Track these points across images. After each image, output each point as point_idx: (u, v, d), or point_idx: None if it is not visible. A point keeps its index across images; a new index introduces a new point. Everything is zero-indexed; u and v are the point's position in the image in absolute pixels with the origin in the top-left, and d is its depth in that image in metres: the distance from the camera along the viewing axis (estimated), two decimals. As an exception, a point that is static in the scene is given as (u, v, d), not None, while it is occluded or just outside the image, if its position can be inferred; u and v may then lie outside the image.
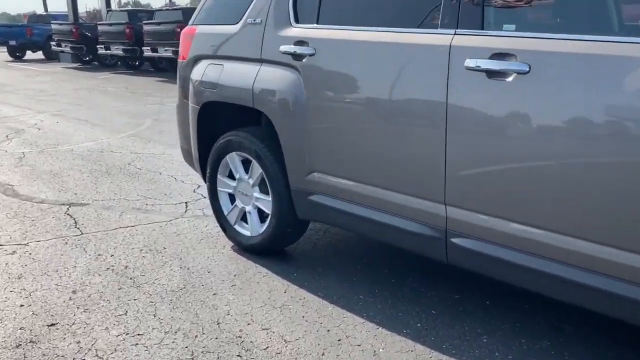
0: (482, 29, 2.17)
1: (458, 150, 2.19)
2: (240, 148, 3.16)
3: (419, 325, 2.53)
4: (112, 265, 3.20)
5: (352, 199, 2.65)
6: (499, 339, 2.41)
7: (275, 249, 3.22)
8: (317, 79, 2.69)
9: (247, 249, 3.30)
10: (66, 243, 3.54)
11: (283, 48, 2.84)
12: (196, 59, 3.41)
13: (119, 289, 2.91)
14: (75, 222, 3.90)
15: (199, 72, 3.35)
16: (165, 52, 14.45)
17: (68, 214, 4.07)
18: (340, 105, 2.62)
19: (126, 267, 3.18)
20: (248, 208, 3.26)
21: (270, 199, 3.08)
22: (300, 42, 2.77)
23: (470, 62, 2.12)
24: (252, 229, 3.26)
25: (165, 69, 15.85)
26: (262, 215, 3.21)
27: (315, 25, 2.78)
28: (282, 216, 3.02)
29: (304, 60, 2.74)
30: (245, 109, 3.10)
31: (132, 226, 3.84)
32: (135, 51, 16.01)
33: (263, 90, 2.93)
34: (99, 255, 3.35)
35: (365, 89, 2.54)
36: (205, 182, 3.58)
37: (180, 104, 3.66)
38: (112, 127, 7.58)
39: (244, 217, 3.35)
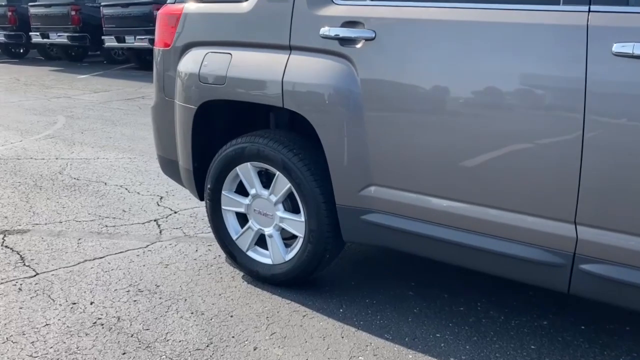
0: (627, 4, 1.73)
1: (600, 154, 1.75)
2: (258, 158, 2.53)
3: (524, 366, 2.09)
4: (99, 318, 2.45)
5: (429, 218, 2.14)
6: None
7: (303, 279, 2.63)
8: (379, 70, 2.13)
9: (267, 279, 2.69)
10: (20, 289, 2.71)
11: (325, 31, 2.24)
12: (186, 47, 2.71)
13: (124, 354, 2.19)
14: (22, 258, 3.05)
15: (192, 64, 2.65)
16: (59, 38, 12.88)
17: (7, 247, 3.19)
18: (417, 102, 2.08)
19: (119, 318, 2.45)
20: (268, 230, 2.64)
21: (302, 219, 2.48)
22: (351, 23, 2.19)
23: (620, 47, 1.67)
24: (274, 256, 2.65)
25: (59, 56, 14.20)
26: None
27: (370, 1, 2.20)
28: (321, 239, 2.45)
29: (358, 46, 2.17)
30: (253, 110, 2.48)
31: (100, 258, 3.06)
32: (21, 37, 14.20)
33: (298, 85, 2.32)
34: (74, 304, 2.57)
35: (454, 80, 2.01)
36: (199, 198, 2.90)
37: (159, 104, 2.93)
38: (20, 127, 6.44)
39: (258, 242, 2.73)
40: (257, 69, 2.44)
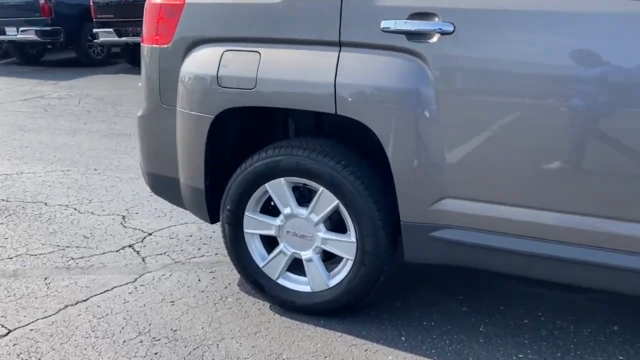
0: None
1: None
2: (296, 172, 2.17)
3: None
4: (122, 384, 1.98)
5: (518, 232, 1.93)
6: None
7: (352, 306, 2.32)
8: (459, 69, 1.87)
9: (306, 309, 2.35)
10: (-4, 356, 2.15)
11: (389, 24, 1.93)
12: (193, 44, 2.26)
13: None
14: (-20, 311, 2.44)
15: (205, 65, 2.22)
16: None
17: (-48, 299, 2.55)
18: (505, 103, 1.85)
19: (147, 381, 2.00)
20: (306, 254, 2.29)
21: (352, 239, 2.17)
22: (421, 15, 1.90)
23: None
24: (314, 283, 2.31)
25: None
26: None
27: None
28: (377, 261, 2.16)
29: (431, 41, 1.88)
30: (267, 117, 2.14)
31: (84, 300, 2.54)
32: None
33: (355, 88, 1.99)
34: (79, 367, 2.07)
35: (549, 78, 1.80)
36: (210, 221, 2.48)
37: (152, 113, 2.45)
38: None
39: (290, 267, 2.38)
40: (298, 69, 2.08)
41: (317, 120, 2.42)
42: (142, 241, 3.14)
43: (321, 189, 2.16)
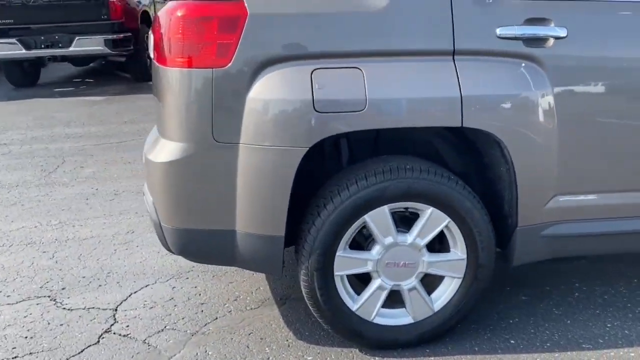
0: None
1: None
2: (405, 196, 1.98)
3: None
4: None
5: (624, 214, 2.12)
6: None
7: (454, 327, 2.22)
8: (574, 72, 1.96)
9: (411, 343, 2.17)
10: None
11: (505, 30, 1.90)
12: (264, 64, 1.85)
13: None
14: None
15: (292, 87, 1.85)
16: None
17: None
18: (619, 102, 2.01)
19: None
20: (408, 283, 2.11)
21: (462, 256, 2.09)
22: (537, 20, 1.92)
23: None
24: (415, 311, 2.14)
25: None
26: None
27: None
28: (489, 273, 2.12)
29: (547, 45, 1.92)
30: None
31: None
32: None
33: (481, 98, 1.90)
34: None
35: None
36: (278, 274, 2.09)
37: (198, 154, 1.93)
38: None
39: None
40: (416, 84, 1.89)
41: (377, 138, 2.23)
42: (118, 321, 2.43)
43: (430, 209, 2.01)
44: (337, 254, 2.02)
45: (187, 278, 2.78)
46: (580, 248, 2.19)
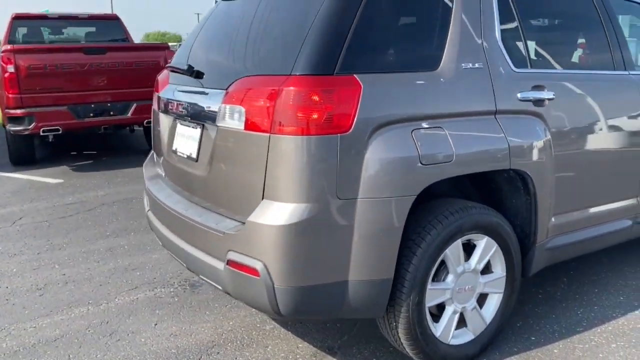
0: None
1: None
2: (473, 228, 2.43)
3: None
4: None
5: (589, 224, 2.91)
6: None
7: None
8: (560, 124, 2.68)
9: (475, 356, 2.57)
10: None
11: (524, 95, 2.54)
12: (376, 128, 2.14)
13: None
14: None
15: (401, 146, 2.16)
16: None
17: None
18: (589, 141, 2.79)
19: None
20: (470, 304, 2.53)
21: (502, 274, 2.61)
22: (538, 87, 2.60)
23: None
24: (475, 327, 2.56)
25: None
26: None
27: (544, 69, 2.67)
28: (515, 286, 2.67)
29: (545, 105, 2.62)
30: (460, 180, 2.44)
31: None
32: None
33: (518, 146, 2.47)
34: None
35: (612, 125, 2.89)
36: (378, 315, 2.31)
37: (322, 212, 2.09)
38: None
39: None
40: (480, 138, 2.37)
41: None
42: None
43: (485, 238, 2.48)
44: (428, 287, 2.33)
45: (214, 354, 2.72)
46: (569, 253, 2.90)
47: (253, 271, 2.15)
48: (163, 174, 2.98)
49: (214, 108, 2.36)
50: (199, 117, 2.51)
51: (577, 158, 2.76)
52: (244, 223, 2.20)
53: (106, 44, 7.43)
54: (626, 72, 3.06)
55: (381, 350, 2.66)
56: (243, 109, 2.20)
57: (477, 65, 2.41)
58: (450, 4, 2.41)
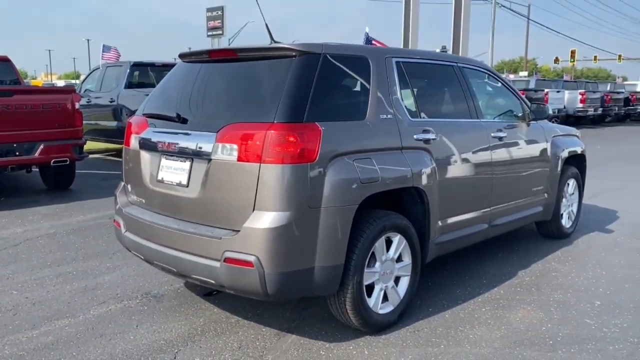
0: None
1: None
2: (391, 228, 3.46)
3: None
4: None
5: (467, 225, 4.12)
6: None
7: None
8: (440, 155, 3.84)
9: (394, 322, 3.56)
10: None
11: (418, 136, 3.67)
12: (332, 157, 3.11)
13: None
14: None
15: (348, 171, 3.14)
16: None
17: None
18: (459, 167, 4.00)
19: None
20: (390, 284, 3.54)
21: (409, 261, 3.67)
22: (426, 131, 3.75)
23: (496, 133, 4.44)
24: (393, 301, 3.56)
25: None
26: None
27: (428, 118, 3.82)
28: (417, 270, 3.76)
29: (431, 143, 3.78)
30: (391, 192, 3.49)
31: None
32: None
33: (418, 170, 3.57)
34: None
35: (474, 155, 4.11)
36: (332, 292, 3.24)
37: (299, 217, 2.99)
38: None
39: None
40: (394, 165, 3.43)
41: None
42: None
43: (398, 236, 3.54)
44: (365, 271, 3.31)
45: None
46: (449, 247, 4.04)
47: (248, 264, 2.97)
48: (143, 200, 3.65)
49: (206, 146, 3.16)
50: (188, 153, 3.29)
51: (451, 179, 3.94)
52: (237, 230, 3.01)
53: (14, 87, 7.61)
54: (478, 120, 4.37)
55: (325, 328, 3.54)
56: (235, 146, 3.04)
57: (388, 116, 3.50)
58: (369, 77, 3.48)
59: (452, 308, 3.87)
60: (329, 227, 3.07)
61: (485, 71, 4.83)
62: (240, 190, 3.04)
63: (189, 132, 3.34)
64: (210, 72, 3.62)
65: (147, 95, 9.81)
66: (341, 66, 3.39)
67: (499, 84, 4.92)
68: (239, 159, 3.03)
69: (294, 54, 3.22)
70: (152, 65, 11.01)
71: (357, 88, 3.46)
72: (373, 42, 4.92)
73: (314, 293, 3.19)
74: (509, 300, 4.02)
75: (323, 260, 3.08)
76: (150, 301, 4.00)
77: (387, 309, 3.52)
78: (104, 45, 16.51)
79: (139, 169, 3.67)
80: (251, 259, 2.96)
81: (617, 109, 23.42)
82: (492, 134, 4.41)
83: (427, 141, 3.72)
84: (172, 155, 3.42)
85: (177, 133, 3.40)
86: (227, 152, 3.09)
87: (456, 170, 3.99)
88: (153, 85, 10.65)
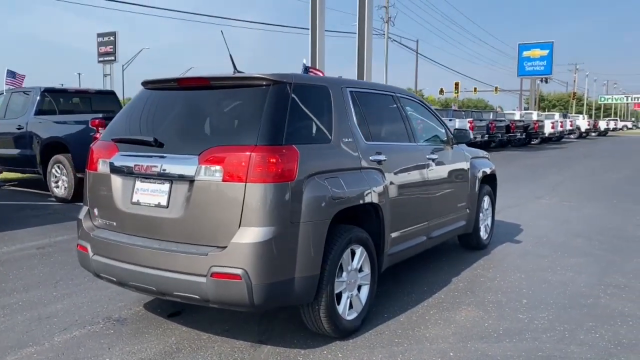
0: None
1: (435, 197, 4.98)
2: (355, 241, 3.81)
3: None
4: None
5: (414, 237, 4.57)
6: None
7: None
8: (390, 175, 4.27)
9: (358, 328, 3.90)
10: None
11: (372, 157, 4.08)
12: (307, 176, 3.41)
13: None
14: None
15: (320, 189, 3.46)
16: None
17: None
18: (405, 185, 4.45)
19: None
20: (354, 292, 3.88)
21: (368, 271, 4.04)
22: (378, 153, 4.17)
23: (430, 155, 4.98)
24: (357, 308, 3.90)
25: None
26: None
27: (379, 142, 4.24)
28: (375, 279, 4.13)
29: (382, 164, 4.20)
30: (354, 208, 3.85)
31: None
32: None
33: (374, 189, 3.96)
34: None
35: (416, 175, 4.58)
36: (308, 301, 3.51)
37: (282, 233, 3.25)
38: None
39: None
40: (357, 183, 3.80)
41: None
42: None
43: (360, 248, 3.90)
44: (335, 280, 3.62)
45: None
46: (398, 258, 4.45)
47: (236, 277, 3.17)
48: (114, 223, 3.72)
49: (188, 168, 3.34)
50: (167, 175, 3.44)
51: (398, 196, 4.37)
52: (223, 246, 3.21)
53: None
54: (414, 143, 4.89)
55: (296, 337, 3.78)
56: (219, 167, 3.25)
57: (349, 139, 3.88)
58: (330, 104, 3.85)
59: (404, 312, 4.27)
60: (307, 240, 3.35)
61: (415, 100, 5.38)
62: (226, 208, 3.25)
63: (165, 155, 3.50)
64: (181, 99, 3.81)
65: (57, 122, 9.76)
66: (307, 94, 3.73)
67: (427, 112, 5.50)
68: (225, 180, 3.25)
69: (267, 82, 3.51)
70: (64, 91, 10.68)
71: (322, 114, 3.81)
72: (310, 71, 5.25)
73: (293, 302, 3.44)
74: (450, 303, 4.50)
75: (302, 271, 3.35)
76: (114, 325, 4.02)
77: (352, 315, 3.83)
78: (8, 70, 15.64)
79: (109, 192, 3.74)
80: (239, 272, 3.17)
81: (500, 135, 25.67)
82: (427, 156, 4.94)
83: (379, 162, 4.13)
84: (148, 178, 3.54)
85: (152, 156, 3.54)
86: (210, 174, 3.29)
87: (402, 188, 4.44)
88: (65, 112, 10.41)
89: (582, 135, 44.14)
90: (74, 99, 11.08)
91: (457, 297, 4.65)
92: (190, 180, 3.35)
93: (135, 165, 3.59)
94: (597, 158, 22.25)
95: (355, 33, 18.91)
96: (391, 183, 4.25)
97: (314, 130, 3.70)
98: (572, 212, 9.00)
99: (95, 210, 3.87)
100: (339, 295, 3.73)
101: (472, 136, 6.35)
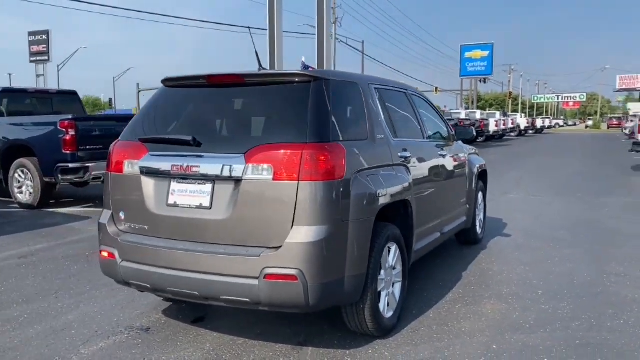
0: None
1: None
2: (392, 238, 3.80)
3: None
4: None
5: (426, 235, 4.59)
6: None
7: (399, 310, 4.06)
8: (414, 171, 4.28)
9: (394, 327, 3.87)
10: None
11: (400, 154, 4.08)
12: (353, 174, 3.37)
13: None
14: None
15: (366, 186, 3.43)
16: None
17: None
18: (426, 180, 4.47)
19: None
20: (390, 290, 3.86)
21: (401, 268, 4.04)
22: (405, 149, 4.18)
23: (440, 151, 5.04)
24: (392, 305, 3.88)
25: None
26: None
27: (403, 138, 4.24)
28: (406, 276, 4.14)
29: (407, 160, 4.21)
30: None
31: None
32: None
33: (408, 184, 3.98)
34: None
35: (434, 171, 4.61)
36: (357, 299, 3.47)
37: (335, 231, 3.19)
38: None
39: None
40: (394, 180, 3.79)
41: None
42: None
43: (395, 245, 3.90)
44: (378, 278, 3.60)
45: None
46: (420, 254, 4.46)
47: (292, 277, 3.08)
48: (146, 227, 3.53)
49: (235, 167, 3.22)
50: (209, 175, 3.31)
51: (421, 192, 4.40)
52: (276, 247, 3.12)
53: None
54: (427, 140, 4.93)
55: (335, 338, 3.72)
56: (270, 166, 3.15)
57: (382, 136, 3.86)
58: (362, 100, 3.81)
59: (431, 309, 4.29)
60: (356, 238, 3.31)
61: (421, 97, 5.43)
62: (277, 208, 3.15)
63: (203, 154, 3.36)
64: (212, 97, 3.67)
65: (19, 124, 9.22)
66: (343, 91, 3.68)
67: (431, 108, 5.55)
68: (275, 178, 3.15)
69: (306, 79, 3.44)
70: (23, 91, 10.10)
71: (357, 111, 3.77)
72: (310, 68, 5.19)
73: (343, 302, 3.39)
74: (471, 297, 4.56)
75: (351, 269, 3.30)
76: (139, 334, 3.83)
77: (390, 313, 3.81)
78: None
79: (139, 194, 3.55)
80: (294, 272, 3.08)
81: (450, 134, 26.35)
82: (439, 152, 4.99)
83: (406, 159, 4.14)
84: (185, 179, 3.39)
85: (189, 156, 3.39)
86: (259, 173, 3.18)
87: (422, 184, 4.46)
88: (25, 113, 9.88)
89: (522, 133, 45.98)
90: (33, 99, 10.50)
91: (475, 291, 4.71)
92: (237, 180, 3.23)
93: (172, 165, 3.42)
94: (543, 155, 23.23)
95: (315, 35, 18.97)
96: (414, 179, 4.25)
97: (353, 127, 3.66)
98: (543, 206, 9.33)
99: (122, 214, 3.67)
100: (379, 294, 3.70)
101: (474, 133, 6.47)
